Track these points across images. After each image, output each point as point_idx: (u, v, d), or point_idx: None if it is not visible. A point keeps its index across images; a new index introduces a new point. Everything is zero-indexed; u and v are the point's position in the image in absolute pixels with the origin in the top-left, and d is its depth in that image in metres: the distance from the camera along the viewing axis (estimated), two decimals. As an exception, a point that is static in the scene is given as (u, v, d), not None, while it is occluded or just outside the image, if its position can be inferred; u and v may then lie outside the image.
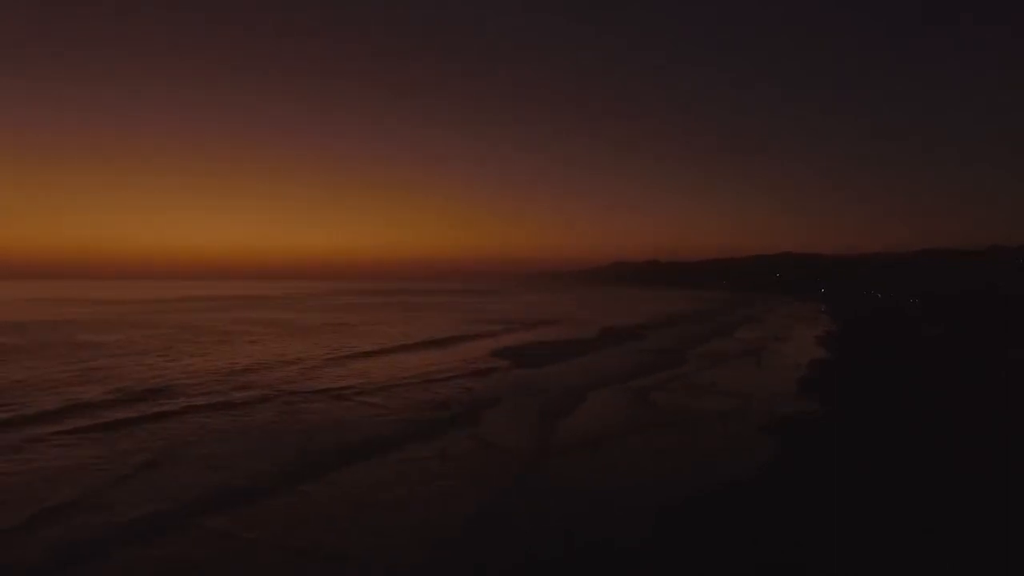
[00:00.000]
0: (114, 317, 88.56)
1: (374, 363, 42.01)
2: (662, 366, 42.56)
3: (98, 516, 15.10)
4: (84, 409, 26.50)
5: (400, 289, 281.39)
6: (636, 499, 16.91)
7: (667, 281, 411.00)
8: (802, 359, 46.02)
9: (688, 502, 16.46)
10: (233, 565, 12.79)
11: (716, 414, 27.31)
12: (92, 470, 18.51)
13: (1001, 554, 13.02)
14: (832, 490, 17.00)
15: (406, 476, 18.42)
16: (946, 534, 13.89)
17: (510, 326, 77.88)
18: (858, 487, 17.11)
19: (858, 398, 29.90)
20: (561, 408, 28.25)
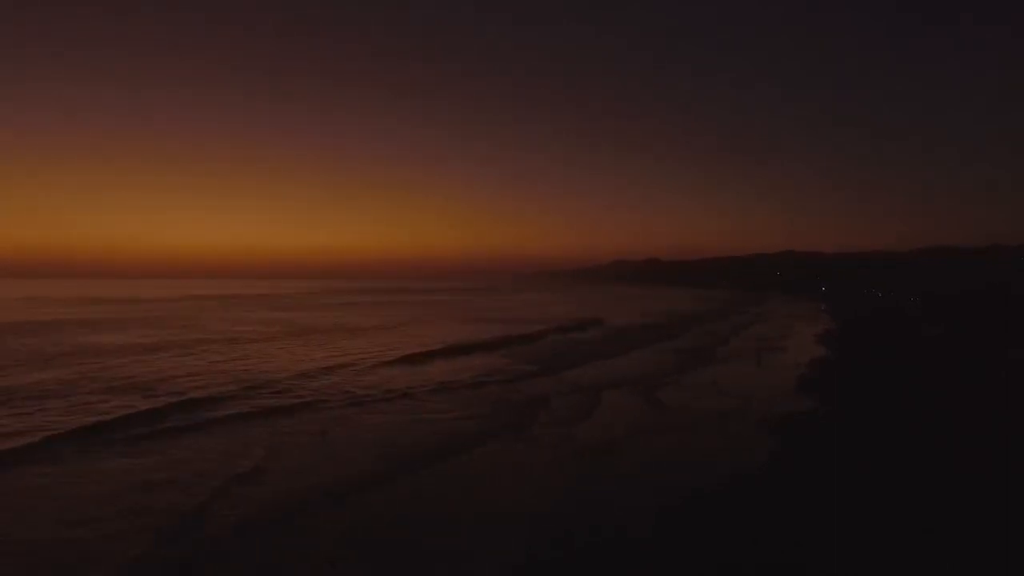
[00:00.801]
0: (139, 316, 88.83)
1: (424, 366, 41.45)
2: (671, 367, 42.57)
3: (284, 483, 17.70)
4: (227, 401, 28.73)
5: (403, 288, 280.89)
6: (642, 496, 16.96)
7: (667, 280, 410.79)
8: (802, 358, 46.03)
9: (687, 502, 16.50)
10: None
11: (716, 413, 27.34)
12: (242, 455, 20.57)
13: (1001, 554, 13.02)
14: (832, 490, 17.01)
15: (498, 466, 19.78)
16: (946, 534, 13.89)
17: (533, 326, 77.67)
18: (858, 487, 17.12)
19: (858, 397, 29.90)
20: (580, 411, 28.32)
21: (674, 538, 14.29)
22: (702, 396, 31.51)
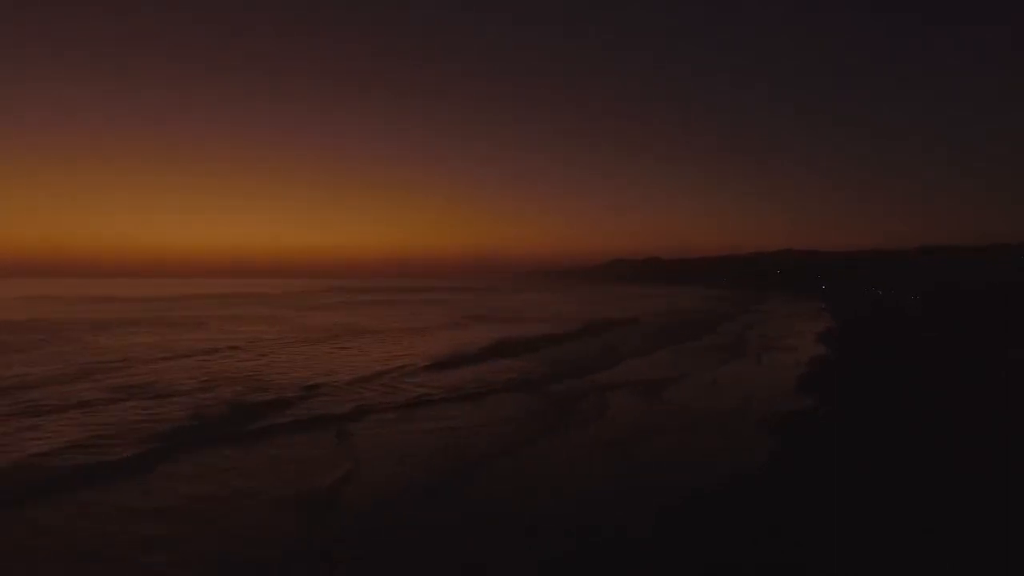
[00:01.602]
0: (163, 315, 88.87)
1: (470, 368, 40.70)
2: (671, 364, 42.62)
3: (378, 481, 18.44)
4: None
5: (405, 288, 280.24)
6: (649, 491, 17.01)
7: (667, 279, 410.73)
8: (802, 357, 46.05)
9: (687, 502, 16.55)
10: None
11: (716, 412, 27.39)
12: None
13: (1001, 554, 13.05)
14: (832, 490, 17.05)
15: (553, 458, 20.90)
16: (946, 534, 13.93)
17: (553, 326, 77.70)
18: (858, 486, 17.16)
19: (858, 397, 29.94)
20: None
21: (673, 538, 14.33)
22: (703, 395, 31.56)
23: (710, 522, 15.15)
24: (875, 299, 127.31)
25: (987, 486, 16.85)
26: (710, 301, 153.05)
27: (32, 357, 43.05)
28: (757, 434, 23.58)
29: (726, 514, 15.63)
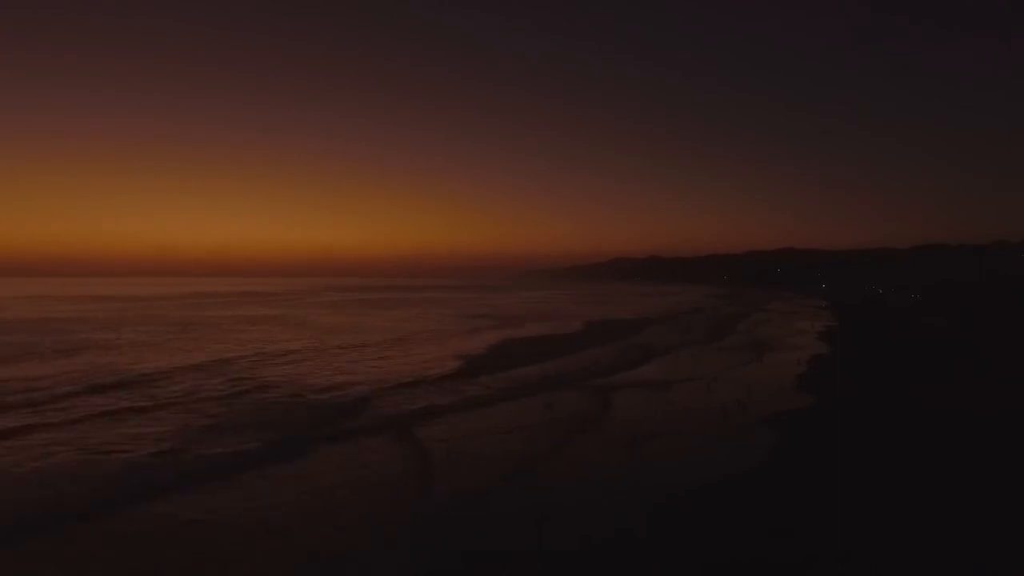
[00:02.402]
0: (189, 314, 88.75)
1: (501, 373, 40.14)
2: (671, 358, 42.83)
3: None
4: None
5: (409, 287, 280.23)
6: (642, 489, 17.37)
7: (668, 277, 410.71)
8: (803, 355, 46.31)
9: (689, 493, 16.86)
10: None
11: (719, 407, 27.73)
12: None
13: (999, 544, 13.31)
14: (832, 483, 17.31)
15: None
16: (945, 528, 14.18)
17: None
18: (857, 481, 17.42)
19: (857, 394, 30.18)
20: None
21: (672, 536, 14.64)
22: (706, 393, 31.85)
23: (711, 512, 15.47)
24: (874, 296, 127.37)
25: (987, 485, 17.11)
26: (714, 300, 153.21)
27: (46, 363, 43.33)
28: (759, 429, 23.91)
29: (726, 506, 15.94)
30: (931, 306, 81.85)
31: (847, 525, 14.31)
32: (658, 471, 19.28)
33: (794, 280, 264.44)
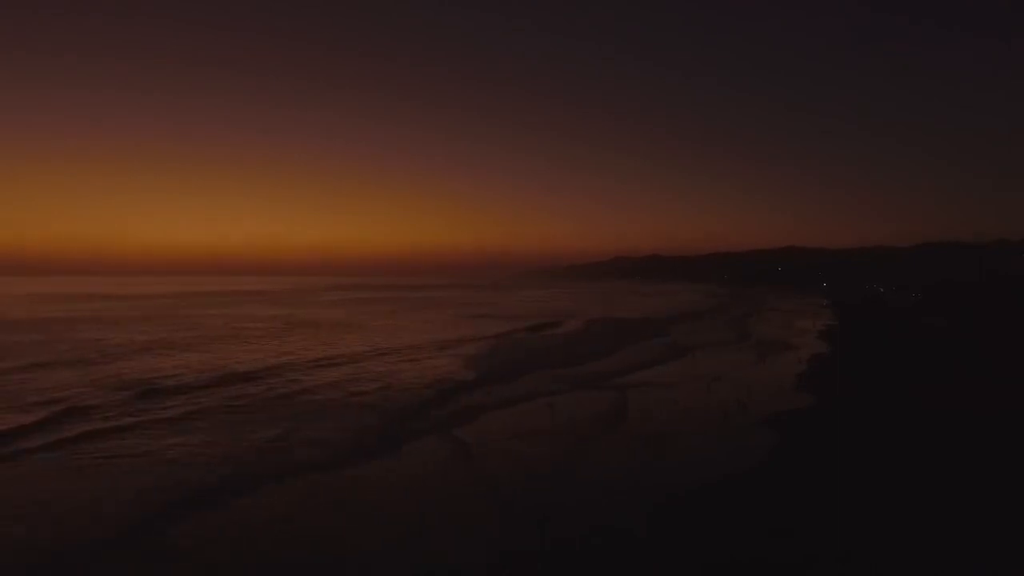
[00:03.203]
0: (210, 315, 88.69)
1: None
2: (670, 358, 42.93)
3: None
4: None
5: (411, 286, 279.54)
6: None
7: (668, 276, 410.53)
8: (803, 354, 46.37)
9: (689, 493, 16.91)
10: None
11: (719, 406, 27.82)
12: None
13: (1002, 550, 13.36)
14: (832, 483, 17.37)
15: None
16: (945, 528, 14.23)
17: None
18: (857, 481, 17.47)
19: (857, 394, 30.23)
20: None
21: (672, 536, 14.69)
22: (706, 392, 31.91)
23: (712, 512, 15.53)
24: (875, 296, 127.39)
25: (986, 483, 17.16)
26: (718, 299, 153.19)
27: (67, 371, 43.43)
28: (759, 429, 23.97)
29: (727, 505, 15.99)
30: (931, 306, 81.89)
31: (847, 525, 14.37)
32: (658, 471, 19.36)
33: (795, 279, 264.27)
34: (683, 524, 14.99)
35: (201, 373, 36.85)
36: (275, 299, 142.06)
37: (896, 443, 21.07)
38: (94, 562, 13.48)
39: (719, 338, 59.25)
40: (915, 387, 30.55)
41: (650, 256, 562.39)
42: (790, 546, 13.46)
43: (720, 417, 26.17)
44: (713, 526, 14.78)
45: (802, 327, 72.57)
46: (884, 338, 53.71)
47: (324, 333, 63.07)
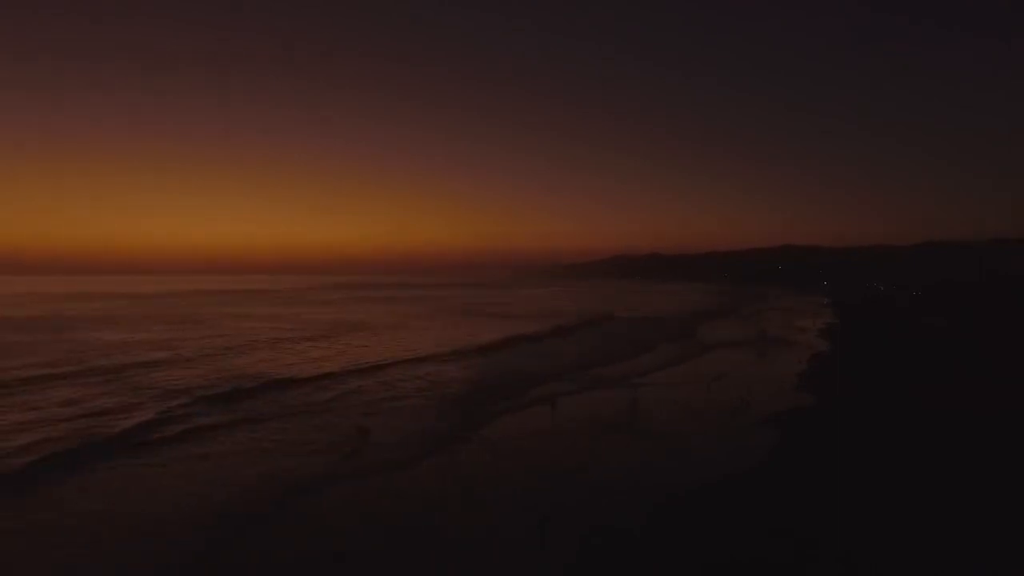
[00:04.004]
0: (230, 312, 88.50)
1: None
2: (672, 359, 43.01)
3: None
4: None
5: (412, 284, 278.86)
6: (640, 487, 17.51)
7: (668, 275, 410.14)
8: (803, 353, 46.40)
9: (690, 493, 16.98)
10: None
11: (721, 405, 27.91)
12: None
13: (1002, 550, 13.42)
14: (832, 483, 17.42)
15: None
16: (945, 528, 14.29)
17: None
18: (857, 481, 17.53)
19: (857, 394, 30.27)
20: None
21: (673, 536, 14.77)
22: (707, 392, 31.97)
23: (714, 509, 15.60)
24: (875, 295, 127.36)
25: (986, 483, 17.22)
26: (719, 297, 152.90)
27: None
28: (760, 427, 24.06)
29: (727, 502, 16.06)
30: (931, 306, 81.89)
31: (847, 525, 14.43)
32: (658, 471, 19.44)
33: (795, 278, 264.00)
34: (683, 524, 15.06)
35: (279, 373, 37.00)
36: (285, 298, 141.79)
37: (896, 443, 21.13)
38: (258, 524, 15.70)
39: (723, 337, 59.24)
40: (915, 387, 30.59)
41: (650, 255, 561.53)
42: (790, 546, 13.53)
43: (721, 416, 26.25)
44: (713, 526, 14.86)
45: (802, 326, 72.54)
46: (884, 338, 53.73)
47: (378, 335, 60.73)
